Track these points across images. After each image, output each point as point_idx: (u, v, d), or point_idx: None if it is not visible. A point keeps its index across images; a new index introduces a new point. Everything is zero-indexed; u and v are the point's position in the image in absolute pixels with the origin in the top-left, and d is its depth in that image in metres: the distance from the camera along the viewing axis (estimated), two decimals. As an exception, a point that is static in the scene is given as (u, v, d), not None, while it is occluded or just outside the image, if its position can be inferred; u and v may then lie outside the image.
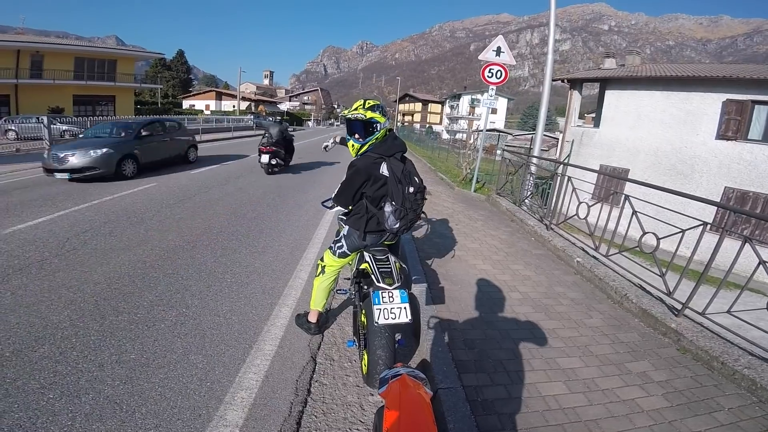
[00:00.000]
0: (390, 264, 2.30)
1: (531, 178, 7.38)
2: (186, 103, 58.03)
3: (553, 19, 7.68)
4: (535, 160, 7.54)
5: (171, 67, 68.26)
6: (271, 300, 3.43)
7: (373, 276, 2.23)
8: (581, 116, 23.48)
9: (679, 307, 3.35)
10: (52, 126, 12.01)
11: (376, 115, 2.38)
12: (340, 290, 3.06)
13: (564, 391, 2.38)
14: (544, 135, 15.69)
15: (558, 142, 19.99)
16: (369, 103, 2.43)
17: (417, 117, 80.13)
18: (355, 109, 2.44)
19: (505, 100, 66.25)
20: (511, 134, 43.71)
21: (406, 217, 2.32)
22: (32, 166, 9.67)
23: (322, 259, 2.72)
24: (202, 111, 50.15)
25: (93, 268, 3.77)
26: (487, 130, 9.81)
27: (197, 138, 19.27)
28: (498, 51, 8.09)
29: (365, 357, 2.31)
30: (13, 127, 16.35)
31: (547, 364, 2.65)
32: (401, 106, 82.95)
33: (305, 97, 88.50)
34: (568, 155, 13.40)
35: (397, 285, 2.17)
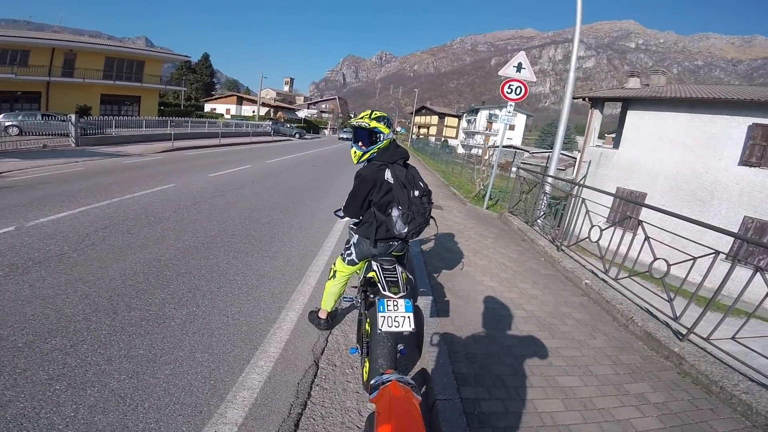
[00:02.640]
0: (397, 273, 2.33)
1: (545, 198, 7.34)
2: (207, 107, 59.49)
3: (578, 35, 7.59)
4: (550, 180, 7.52)
5: (196, 70, 70.07)
6: (279, 304, 3.50)
7: (379, 284, 2.26)
8: (601, 136, 23.24)
9: (684, 332, 3.33)
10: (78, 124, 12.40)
11: (381, 126, 2.48)
12: (345, 298, 3.10)
13: (560, 408, 2.39)
14: (562, 154, 15.56)
15: (576, 161, 19.78)
16: (375, 114, 2.54)
17: (433, 130, 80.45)
18: (362, 117, 2.54)
19: (524, 117, 65.91)
20: (527, 151, 43.43)
21: (414, 221, 2.37)
22: (56, 162, 10.05)
23: (334, 264, 2.87)
24: (223, 115, 51.34)
25: (109, 264, 3.90)
26: (504, 147, 9.81)
27: (217, 141, 19.88)
28: (519, 67, 8.14)
29: (366, 364, 2.34)
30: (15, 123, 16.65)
31: (546, 381, 2.66)
32: (417, 119, 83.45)
33: (323, 105, 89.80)
34: (584, 176, 13.27)
35: (402, 294, 2.20)
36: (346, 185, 10.11)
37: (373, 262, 2.46)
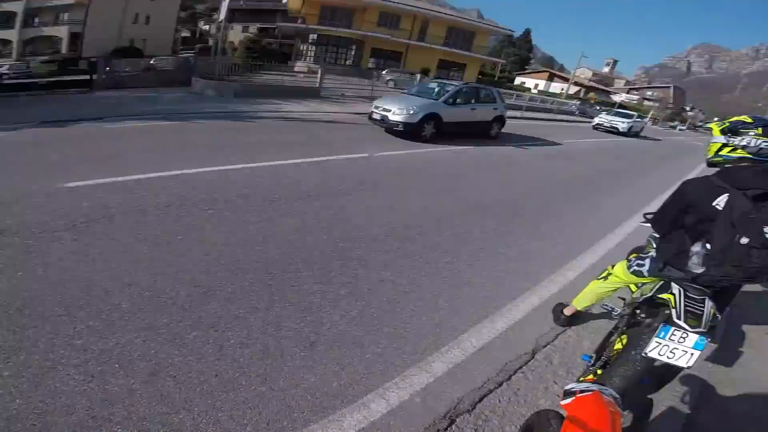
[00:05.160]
0: (704, 307, 1.77)
1: None
2: (518, 80, 60.50)
3: None
4: None
5: (516, 44, 71.46)
6: (527, 285, 3.22)
7: (673, 310, 1.76)
8: None
9: None
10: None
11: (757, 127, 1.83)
12: (603, 305, 2.65)
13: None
14: None
15: None
16: (743, 119, 1.92)
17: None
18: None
19: None
20: None
21: (719, 268, 1.68)
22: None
23: (612, 266, 2.47)
24: (530, 89, 50.95)
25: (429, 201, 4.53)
26: None
27: (519, 114, 19.97)
28: None
29: (590, 376, 2.04)
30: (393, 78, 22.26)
31: None
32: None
33: (649, 92, 74.74)
34: None
35: (699, 330, 1.69)
36: (646, 187, 8.10)
37: (674, 285, 1.89)
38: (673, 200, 2.00)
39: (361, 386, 1.96)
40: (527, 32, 73.46)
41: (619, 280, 2.38)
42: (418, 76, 18.19)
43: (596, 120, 21.84)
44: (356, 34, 30.77)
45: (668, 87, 76.93)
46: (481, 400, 2.05)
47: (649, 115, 53.02)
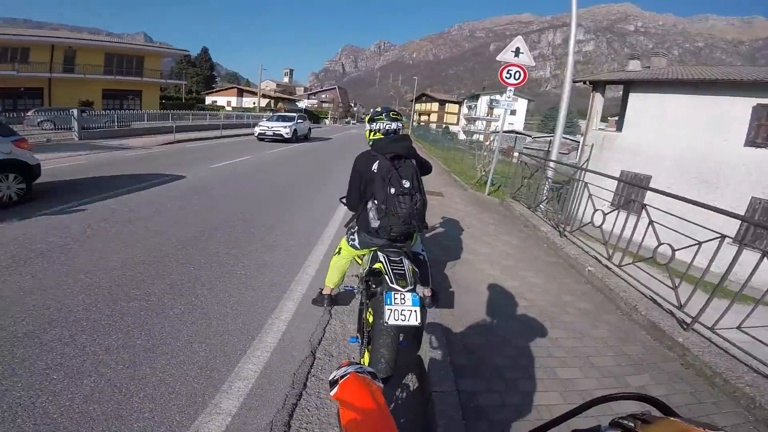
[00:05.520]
0: (404, 266, 2.29)
1: (548, 183, 7.25)
2: (209, 99, 59.24)
3: (575, 19, 7.50)
4: (552, 164, 7.41)
5: (195, 63, 69.51)
6: (278, 293, 3.48)
7: (386, 276, 2.21)
8: (604, 119, 22.89)
9: (688, 321, 3.25)
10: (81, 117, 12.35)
11: (380, 117, 2.60)
12: (346, 287, 3.09)
13: (559, 401, 2.35)
14: (564, 138, 15.35)
15: (578, 145, 19.55)
16: (392, 115, 2.64)
17: (434, 117, 79.70)
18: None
19: (525, 101, 64.91)
20: (529, 136, 42.93)
21: (387, 218, 2.35)
22: (60, 156, 10.05)
23: (341, 242, 2.95)
24: (224, 107, 51.11)
25: (110, 254, 3.90)
26: (505, 132, 9.67)
27: (218, 133, 19.83)
28: (517, 51, 7.98)
29: (366, 354, 2.31)
30: (48, 118, 16.84)
31: (545, 373, 2.62)
32: (418, 106, 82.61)
33: (323, 96, 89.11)
34: (587, 160, 13.11)
35: (409, 288, 2.16)
36: (344, 176, 10.05)
37: (379, 253, 2.41)
38: (352, 177, 2.55)
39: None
40: (204, 51, 72.26)
41: (347, 253, 2.86)
42: (75, 111, 14.96)
43: (258, 129, 18.57)
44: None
45: (334, 89, 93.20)
46: (291, 416, 2.10)
47: (329, 116, 63.97)
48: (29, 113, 17.92)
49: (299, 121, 20.00)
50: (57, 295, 3.05)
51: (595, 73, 24.53)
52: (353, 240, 2.74)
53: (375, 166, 2.40)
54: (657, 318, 3.39)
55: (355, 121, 72.31)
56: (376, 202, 2.37)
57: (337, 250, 2.98)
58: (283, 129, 18.00)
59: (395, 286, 2.13)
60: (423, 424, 2.19)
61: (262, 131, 18.24)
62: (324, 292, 3.12)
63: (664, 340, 3.19)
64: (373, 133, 2.63)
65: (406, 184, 2.38)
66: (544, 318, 3.41)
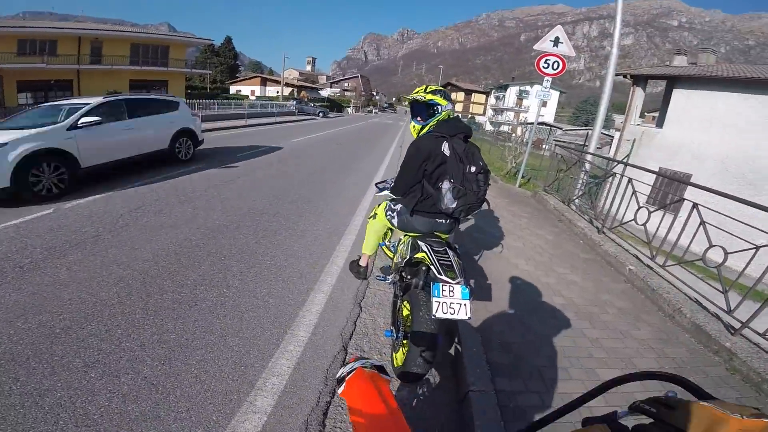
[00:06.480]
0: (450, 257, 2.18)
1: (584, 176, 6.95)
2: (233, 89, 59.95)
3: (620, 13, 7.13)
4: (590, 158, 7.09)
5: (219, 53, 70.30)
6: (308, 285, 3.45)
7: (433, 267, 2.10)
8: (641, 115, 21.88)
9: (737, 325, 3.08)
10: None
11: (437, 98, 2.42)
12: (378, 277, 3.04)
13: (600, 403, 2.22)
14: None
15: (612, 140, 18.76)
16: (431, 88, 2.51)
17: (459, 107, 78.29)
18: (417, 92, 2.51)
19: (557, 93, 62.63)
20: (560, 128, 41.54)
21: (466, 197, 2.21)
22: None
23: (378, 206, 2.87)
24: (248, 96, 51.67)
25: (142, 245, 3.95)
26: (537, 123, 9.33)
27: (243, 122, 20.08)
28: (556, 41, 7.63)
29: (402, 349, 2.25)
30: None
31: (586, 374, 2.51)
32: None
33: (345, 84, 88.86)
34: (628, 155, 12.50)
35: (459, 280, 2.04)
36: (371, 165, 10.10)
37: (421, 243, 2.31)
38: (410, 160, 2.32)
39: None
40: (228, 40, 73.00)
41: (382, 219, 2.75)
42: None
43: None
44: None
45: (357, 77, 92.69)
46: (326, 415, 2.07)
47: (351, 104, 63.75)
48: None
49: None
50: (92, 288, 3.05)
51: (633, 68, 23.41)
52: (393, 219, 2.62)
53: (445, 148, 2.25)
54: (703, 321, 3.23)
55: (377, 110, 71.56)
56: (452, 181, 2.22)
57: (372, 213, 2.93)
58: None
59: (444, 277, 2.02)
60: (455, 423, 2.12)
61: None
62: (361, 263, 3.10)
63: (709, 343, 3.06)
64: (429, 125, 2.46)
65: (481, 162, 2.31)
66: (582, 317, 3.27)
